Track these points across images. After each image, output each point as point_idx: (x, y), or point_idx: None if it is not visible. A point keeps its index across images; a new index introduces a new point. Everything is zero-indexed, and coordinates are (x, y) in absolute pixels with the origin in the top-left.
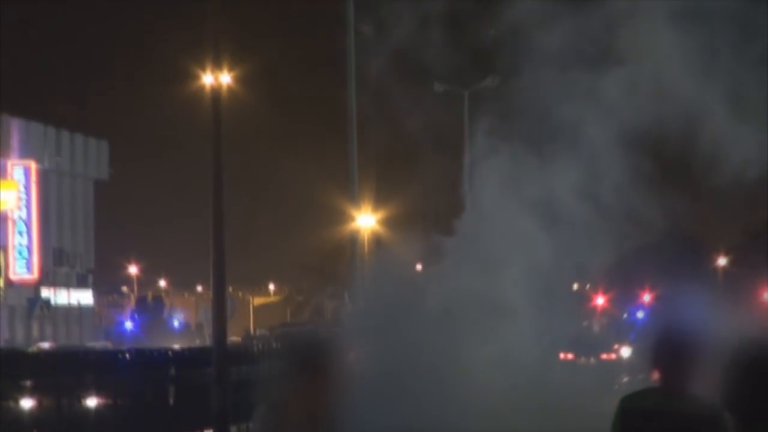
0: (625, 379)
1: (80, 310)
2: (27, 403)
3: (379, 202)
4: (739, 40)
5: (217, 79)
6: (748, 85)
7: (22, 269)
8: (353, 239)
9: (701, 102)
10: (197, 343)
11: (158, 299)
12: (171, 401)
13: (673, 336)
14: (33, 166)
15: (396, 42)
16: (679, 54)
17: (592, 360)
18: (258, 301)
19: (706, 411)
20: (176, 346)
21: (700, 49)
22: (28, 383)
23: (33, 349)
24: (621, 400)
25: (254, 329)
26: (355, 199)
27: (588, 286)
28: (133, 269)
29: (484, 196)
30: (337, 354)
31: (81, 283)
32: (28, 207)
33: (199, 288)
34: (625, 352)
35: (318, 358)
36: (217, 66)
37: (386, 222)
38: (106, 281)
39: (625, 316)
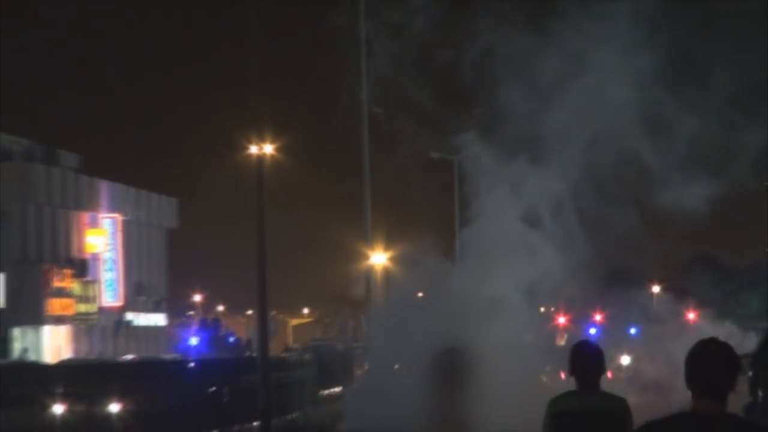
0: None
1: (155, 330)
2: (114, 407)
3: (390, 242)
4: (673, 81)
5: (260, 149)
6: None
7: (111, 298)
8: (368, 274)
9: (640, 149)
10: (247, 354)
11: (217, 321)
12: (225, 400)
13: (582, 350)
14: (118, 218)
15: (399, 120)
16: (615, 102)
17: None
18: (295, 322)
19: (616, 404)
20: (230, 357)
21: (635, 96)
22: (116, 387)
23: (120, 359)
24: (548, 403)
25: (292, 344)
26: (369, 242)
27: (552, 309)
28: (197, 297)
29: (473, 238)
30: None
31: (156, 309)
32: (114, 250)
33: (249, 312)
34: None
35: (458, 371)
36: (260, 140)
37: (394, 259)
38: (175, 307)
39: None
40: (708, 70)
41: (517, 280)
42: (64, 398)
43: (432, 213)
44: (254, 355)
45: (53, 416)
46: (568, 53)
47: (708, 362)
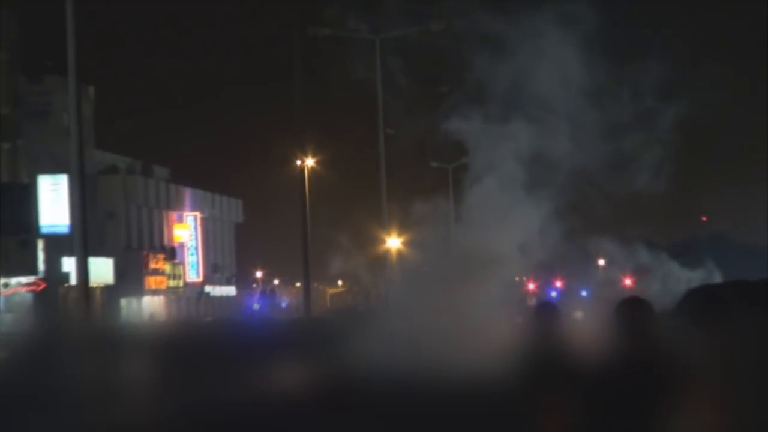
0: None
1: (227, 299)
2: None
3: (403, 229)
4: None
5: (303, 162)
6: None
7: (193, 275)
8: (386, 254)
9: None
10: (296, 315)
11: (273, 291)
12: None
13: (543, 307)
14: (198, 215)
15: (405, 134)
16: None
17: None
18: (331, 291)
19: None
20: (283, 317)
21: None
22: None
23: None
24: None
25: (329, 308)
26: (386, 228)
27: (524, 278)
28: (258, 273)
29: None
30: None
31: (227, 283)
32: (196, 239)
33: (297, 284)
34: None
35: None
36: (303, 154)
37: (406, 243)
38: (242, 281)
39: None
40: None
41: (507, 244)
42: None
43: (434, 208)
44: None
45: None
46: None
47: (628, 309)
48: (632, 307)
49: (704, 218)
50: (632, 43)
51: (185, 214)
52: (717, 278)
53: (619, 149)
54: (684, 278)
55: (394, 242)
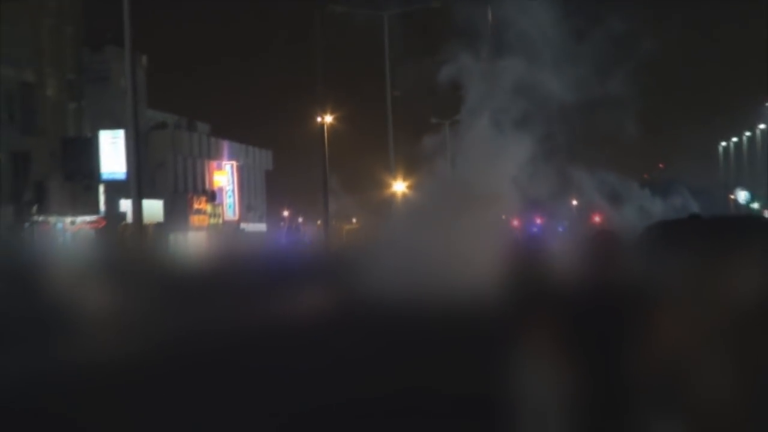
0: None
1: (259, 234)
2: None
3: (408, 174)
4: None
5: (323, 119)
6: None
7: (231, 214)
8: (392, 196)
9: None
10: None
11: (298, 227)
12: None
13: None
14: (234, 164)
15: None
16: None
17: None
18: (347, 227)
19: None
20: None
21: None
22: None
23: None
24: None
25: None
26: (392, 173)
27: (509, 216)
28: (285, 213)
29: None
30: None
31: (259, 220)
32: (232, 184)
33: (318, 222)
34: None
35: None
36: (323, 112)
37: (410, 187)
38: (272, 219)
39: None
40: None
41: (495, 184)
42: None
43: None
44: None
45: None
46: None
47: (596, 239)
48: (601, 241)
49: (662, 165)
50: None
51: (223, 162)
52: (692, 204)
53: (590, 94)
54: (657, 206)
55: (399, 186)
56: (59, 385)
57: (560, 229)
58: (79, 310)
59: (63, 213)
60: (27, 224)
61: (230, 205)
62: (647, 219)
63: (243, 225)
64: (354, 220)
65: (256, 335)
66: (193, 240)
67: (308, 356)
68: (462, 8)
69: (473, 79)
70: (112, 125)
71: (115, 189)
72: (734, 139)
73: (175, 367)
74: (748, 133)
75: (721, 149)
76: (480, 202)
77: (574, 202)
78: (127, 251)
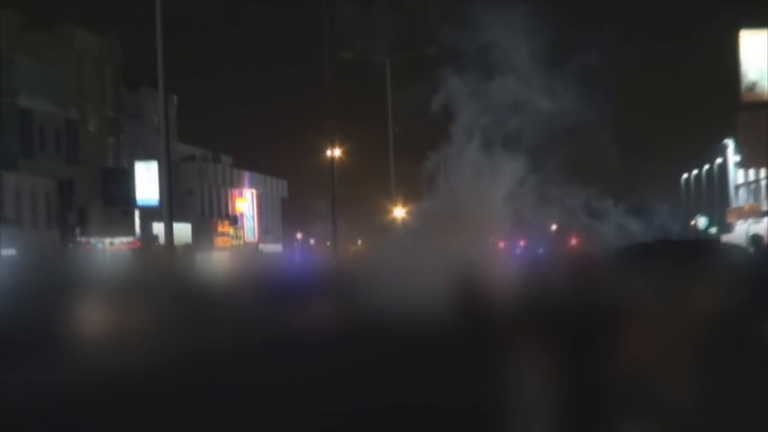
0: None
1: (275, 253)
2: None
3: (407, 199)
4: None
5: (332, 152)
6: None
7: (250, 237)
8: (393, 221)
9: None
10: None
11: (310, 248)
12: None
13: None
14: (254, 192)
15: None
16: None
17: None
18: (353, 248)
19: None
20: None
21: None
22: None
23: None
24: None
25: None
26: (393, 200)
27: (495, 239)
28: (299, 235)
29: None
30: None
31: (275, 242)
32: (252, 209)
33: (328, 243)
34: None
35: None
36: (332, 145)
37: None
38: (286, 240)
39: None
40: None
41: (483, 210)
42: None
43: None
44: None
45: None
46: None
47: (574, 261)
48: (581, 262)
49: (629, 195)
50: (578, 32)
51: (244, 190)
52: (674, 224)
53: (566, 123)
54: (631, 228)
55: (399, 212)
56: (91, 397)
57: (540, 251)
58: (114, 324)
59: (102, 235)
60: (71, 245)
61: (250, 228)
62: (622, 240)
63: (261, 246)
64: (359, 242)
65: (271, 348)
66: (217, 259)
67: (308, 367)
68: (450, 51)
69: (460, 113)
70: (147, 157)
71: (149, 214)
72: (695, 171)
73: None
74: (707, 166)
75: (683, 180)
76: (469, 226)
77: (553, 226)
78: (159, 269)
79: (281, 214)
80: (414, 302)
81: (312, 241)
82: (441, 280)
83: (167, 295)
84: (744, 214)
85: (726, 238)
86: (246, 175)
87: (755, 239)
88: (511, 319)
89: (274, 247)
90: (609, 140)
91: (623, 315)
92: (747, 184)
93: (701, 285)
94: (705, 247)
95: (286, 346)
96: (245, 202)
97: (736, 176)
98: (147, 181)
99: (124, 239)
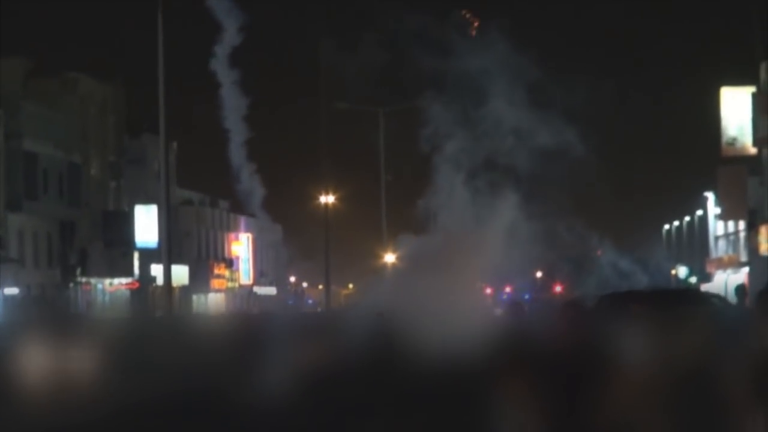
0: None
1: (270, 296)
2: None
3: (398, 245)
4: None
5: (326, 198)
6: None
7: (245, 279)
8: (384, 266)
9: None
10: (319, 310)
11: (302, 291)
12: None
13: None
14: (250, 236)
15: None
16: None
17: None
18: (344, 292)
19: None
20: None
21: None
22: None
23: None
24: None
25: (343, 304)
26: (384, 246)
27: (482, 284)
28: (292, 278)
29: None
30: None
31: (270, 284)
32: (248, 253)
33: (320, 286)
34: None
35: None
36: (326, 193)
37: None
38: (280, 283)
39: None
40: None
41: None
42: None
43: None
44: (321, 309)
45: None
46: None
47: (565, 310)
48: (568, 309)
49: (599, 252)
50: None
51: (240, 234)
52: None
53: (549, 172)
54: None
55: (390, 257)
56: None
57: (525, 297)
58: (111, 360)
59: (102, 275)
60: (72, 284)
61: (245, 271)
62: (605, 288)
63: (256, 288)
64: (350, 286)
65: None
66: (213, 300)
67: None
68: (438, 101)
69: (447, 165)
70: (146, 201)
71: (148, 255)
72: (676, 223)
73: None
74: (688, 218)
75: (665, 230)
76: (458, 272)
77: (539, 274)
78: (157, 309)
79: (276, 258)
80: (400, 348)
81: (305, 284)
82: (427, 328)
83: (163, 336)
84: (723, 264)
85: (705, 287)
86: (242, 220)
87: (739, 290)
88: (489, 368)
89: (269, 290)
90: (593, 190)
91: (600, 363)
92: (726, 235)
93: (680, 334)
94: (685, 296)
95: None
96: (241, 246)
97: (716, 228)
98: (146, 224)
99: (123, 280)
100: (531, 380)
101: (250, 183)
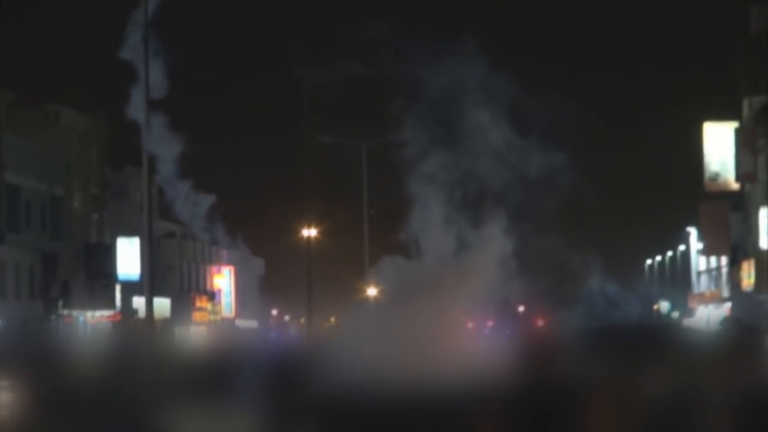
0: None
1: (252, 329)
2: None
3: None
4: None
5: (309, 231)
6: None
7: (227, 312)
8: (366, 299)
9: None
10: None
11: (285, 324)
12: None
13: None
14: (232, 269)
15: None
16: None
17: None
18: (326, 325)
19: None
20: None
21: None
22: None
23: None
24: None
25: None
26: (366, 280)
27: (464, 318)
28: (274, 311)
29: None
30: None
31: (252, 318)
32: (230, 286)
33: (302, 320)
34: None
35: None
36: (309, 226)
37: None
38: (262, 316)
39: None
40: None
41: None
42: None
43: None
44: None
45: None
46: None
47: (536, 345)
48: (539, 344)
49: (595, 279)
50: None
51: (223, 267)
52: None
53: (531, 208)
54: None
55: (372, 291)
56: None
57: (507, 332)
58: (92, 394)
59: (84, 308)
60: (53, 317)
61: (227, 304)
62: (590, 322)
63: (238, 321)
64: (332, 319)
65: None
66: (195, 333)
67: None
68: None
69: (429, 199)
70: (129, 233)
71: (130, 288)
72: (658, 257)
73: None
74: (670, 253)
75: (647, 265)
76: (439, 306)
77: (521, 307)
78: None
79: (258, 291)
80: (377, 384)
81: (287, 317)
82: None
83: (144, 370)
84: (705, 299)
85: (687, 322)
86: (224, 253)
87: (725, 321)
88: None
89: (251, 323)
90: (575, 224)
91: (572, 396)
92: (708, 270)
93: (656, 367)
94: (666, 331)
95: None
96: (223, 279)
97: (698, 263)
98: (128, 257)
99: (105, 312)
100: (498, 421)
101: (232, 214)
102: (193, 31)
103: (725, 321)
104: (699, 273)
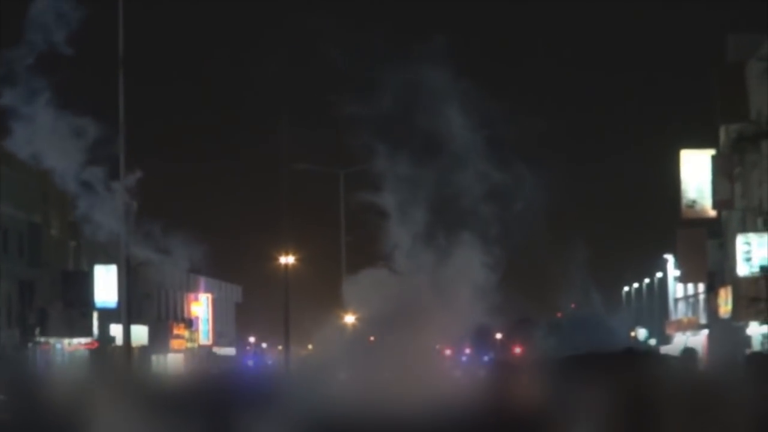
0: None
1: (229, 357)
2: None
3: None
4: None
5: (286, 261)
6: None
7: (205, 339)
8: (344, 326)
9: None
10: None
11: (262, 351)
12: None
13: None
14: (209, 296)
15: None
16: None
17: None
18: (304, 352)
19: None
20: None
21: None
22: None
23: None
24: None
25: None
26: (344, 309)
27: (442, 345)
28: (251, 338)
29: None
30: None
31: (229, 345)
32: (207, 313)
33: (280, 347)
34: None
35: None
36: (286, 253)
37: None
38: (239, 344)
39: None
40: None
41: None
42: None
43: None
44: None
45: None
46: None
47: (501, 371)
48: (503, 371)
49: (573, 305)
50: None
51: (200, 295)
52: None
53: (511, 236)
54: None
55: (349, 318)
56: None
57: (485, 359)
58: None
59: (61, 335)
60: (30, 344)
61: (205, 331)
62: (567, 349)
63: (215, 349)
64: (310, 346)
65: None
66: (173, 361)
67: None
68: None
69: (406, 225)
70: (106, 261)
71: (107, 315)
72: (636, 284)
73: None
74: (647, 280)
75: (624, 292)
76: (416, 333)
77: (498, 335)
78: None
79: (235, 319)
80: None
81: (264, 345)
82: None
83: (120, 398)
84: (683, 326)
85: (664, 349)
86: (201, 281)
87: (687, 352)
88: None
89: (228, 351)
90: (554, 252)
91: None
92: (686, 297)
93: (623, 396)
94: (641, 359)
95: None
96: (200, 306)
97: (676, 290)
98: (106, 285)
99: (83, 340)
100: None
101: (210, 243)
102: (166, 56)
103: (685, 351)
104: (676, 300)
